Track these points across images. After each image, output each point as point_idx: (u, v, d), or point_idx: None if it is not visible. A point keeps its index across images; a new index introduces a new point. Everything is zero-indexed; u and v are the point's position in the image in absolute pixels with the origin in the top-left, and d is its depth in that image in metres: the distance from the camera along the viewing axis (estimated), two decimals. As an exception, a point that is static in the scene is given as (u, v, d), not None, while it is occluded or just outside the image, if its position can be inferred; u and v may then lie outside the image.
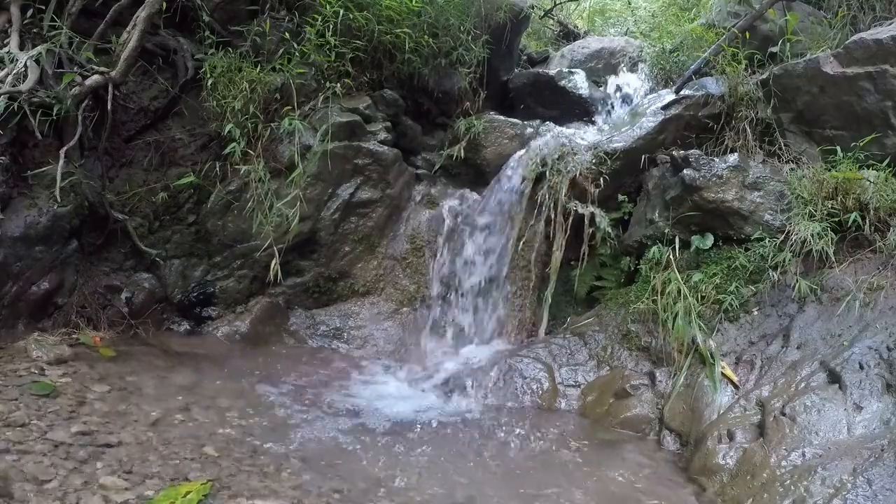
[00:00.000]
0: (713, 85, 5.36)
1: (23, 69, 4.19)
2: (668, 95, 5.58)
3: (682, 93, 5.43)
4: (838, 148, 4.57)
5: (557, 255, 5.12)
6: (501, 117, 5.90)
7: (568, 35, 9.01)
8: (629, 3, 9.27)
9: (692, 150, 4.94)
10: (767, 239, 4.42)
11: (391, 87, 5.66)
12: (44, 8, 4.52)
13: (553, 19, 9.23)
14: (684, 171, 4.81)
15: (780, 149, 4.97)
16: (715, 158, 4.85)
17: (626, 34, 8.46)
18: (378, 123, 5.43)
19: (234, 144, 4.71)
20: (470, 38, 5.87)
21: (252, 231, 4.82)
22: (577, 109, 6.38)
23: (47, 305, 4.27)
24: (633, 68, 6.90)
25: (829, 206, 4.26)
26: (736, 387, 3.89)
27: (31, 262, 4.14)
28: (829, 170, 4.45)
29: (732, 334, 4.22)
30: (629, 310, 4.63)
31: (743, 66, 5.18)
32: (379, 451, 3.43)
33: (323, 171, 5.00)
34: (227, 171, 4.90)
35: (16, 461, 2.66)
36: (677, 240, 4.70)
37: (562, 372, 4.50)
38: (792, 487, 2.97)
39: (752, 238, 4.51)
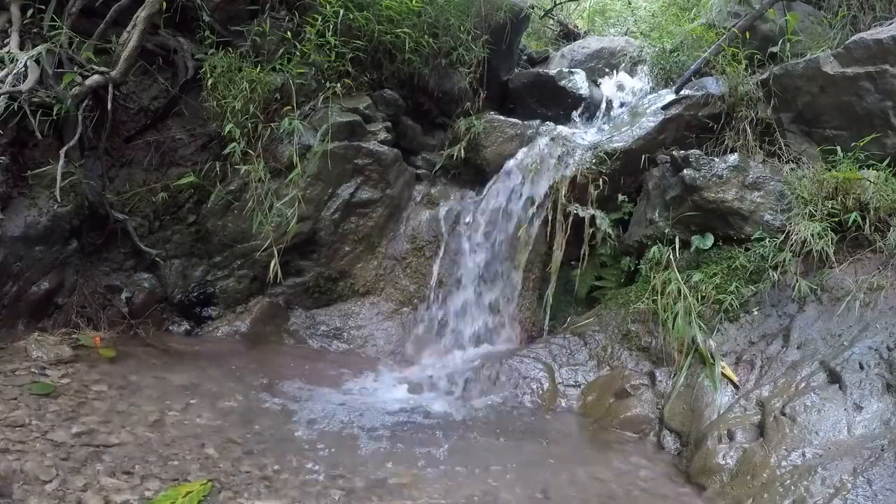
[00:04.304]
0: (713, 85, 5.35)
1: (23, 69, 4.18)
2: (668, 95, 5.57)
3: (682, 93, 5.43)
4: (838, 148, 4.57)
5: (558, 255, 5.12)
6: (501, 117, 5.89)
7: (568, 35, 8.99)
8: (629, 3, 9.27)
9: (692, 150, 4.94)
10: (767, 239, 4.42)
11: (391, 87, 5.66)
12: (44, 8, 4.51)
13: (553, 19, 9.22)
14: (684, 171, 4.81)
15: (780, 149, 4.97)
16: (715, 158, 4.85)
17: (626, 34, 8.45)
18: (378, 123, 5.43)
19: (234, 144, 4.71)
20: (470, 38, 5.87)
21: (252, 231, 4.82)
22: (578, 109, 6.37)
23: (47, 305, 4.27)
24: (632, 69, 6.90)
25: (829, 206, 4.26)
26: (736, 387, 3.89)
27: (31, 262, 4.14)
28: (830, 170, 4.45)
29: (732, 334, 4.22)
30: (629, 310, 4.63)
31: (743, 66, 5.18)
32: (379, 451, 3.43)
33: (323, 171, 5.00)
34: (227, 171, 4.90)
35: (16, 461, 2.66)
36: (677, 240, 4.70)
37: (562, 372, 4.50)
38: (792, 487, 2.97)
39: (753, 238, 4.51)
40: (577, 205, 5.11)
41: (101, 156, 4.64)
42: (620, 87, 6.51)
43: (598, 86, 6.67)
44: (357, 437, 3.57)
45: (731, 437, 3.48)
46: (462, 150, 5.64)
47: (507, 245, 5.25)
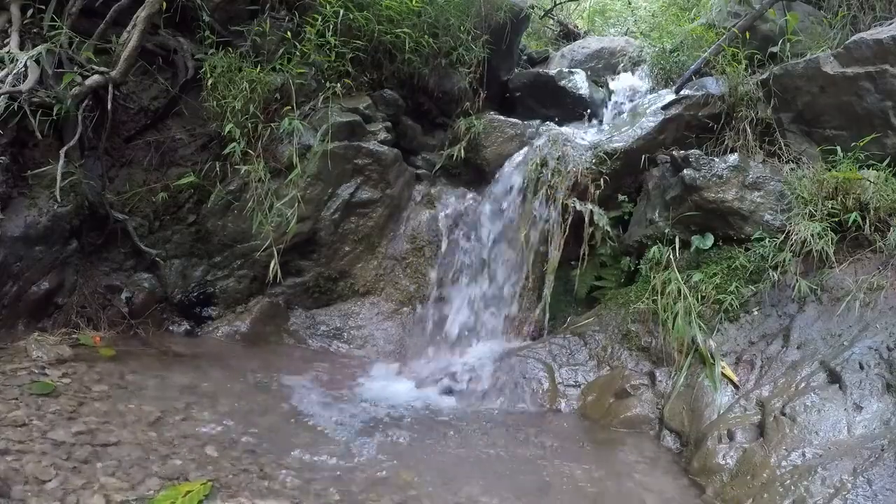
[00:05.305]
0: (713, 85, 5.35)
1: (23, 69, 4.18)
2: (668, 95, 5.58)
3: (682, 93, 5.43)
4: (838, 148, 4.57)
5: (556, 255, 5.11)
6: (501, 117, 5.89)
7: (568, 35, 9.00)
8: (629, 3, 9.27)
9: (692, 150, 4.94)
10: (767, 239, 4.42)
11: (391, 87, 5.66)
12: (44, 8, 4.51)
13: (553, 19, 9.22)
14: (684, 171, 4.81)
15: (780, 149, 4.97)
16: (715, 158, 4.85)
17: (626, 34, 8.46)
18: (378, 123, 5.43)
19: (234, 144, 4.71)
20: (470, 38, 5.87)
21: (252, 231, 4.82)
22: (578, 109, 6.38)
23: (47, 305, 4.27)
24: (632, 69, 6.91)
25: (829, 206, 4.26)
26: (736, 387, 3.89)
27: (31, 262, 4.14)
28: (830, 170, 4.45)
29: (732, 334, 4.22)
30: (629, 310, 4.63)
31: (743, 66, 5.18)
32: (379, 450, 3.42)
33: (323, 171, 5.00)
34: (227, 171, 4.90)
35: (16, 461, 2.66)
36: (677, 240, 4.70)
37: (562, 372, 4.50)
38: (792, 487, 2.97)
39: (752, 238, 4.51)
40: (576, 199, 5.10)
41: (101, 156, 4.64)
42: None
43: (599, 86, 6.68)
44: (357, 435, 3.57)
45: (731, 437, 3.48)
46: (462, 150, 5.64)
47: (507, 245, 5.25)
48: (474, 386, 4.46)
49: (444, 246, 5.37)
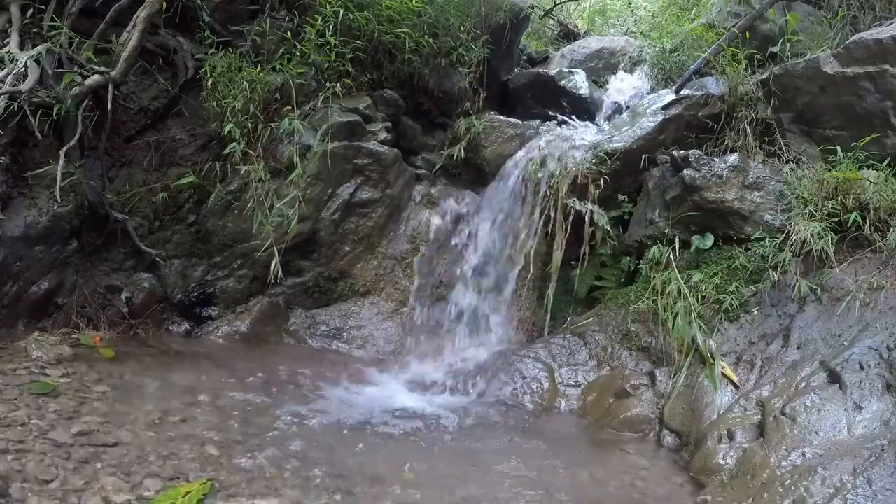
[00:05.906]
0: (713, 85, 5.35)
1: (23, 69, 4.18)
2: (668, 95, 5.57)
3: (682, 93, 5.43)
4: (838, 148, 4.57)
5: (558, 255, 5.11)
6: (501, 117, 5.89)
7: (568, 35, 8.99)
8: (629, 3, 9.27)
9: (692, 150, 4.93)
10: (767, 239, 4.42)
11: (391, 87, 5.66)
12: (44, 8, 4.51)
13: (553, 19, 9.22)
14: (684, 170, 4.81)
15: (780, 149, 4.97)
16: (715, 158, 4.85)
17: (626, 34, 8.45)
18: (378, 123, 5.43)
19: (234, 144, 4.71)
20: (470, 38, 5.87)
21: (252, 231, 4.82)
22: (578, 109, 6.37)
23: (47, 305, 4.27)
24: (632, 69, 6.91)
25: (829, 206, 4.26)
26: (736, 387, 3.89)
27: (31, 262, 4.14)
28: (829, 170, 4.45)
29: (732, 334, 4.22)
30: (629, 310, 4.63)
31: (743, 66, 5.18)
32: (379, 451, 3.43)
33: (323, 171, 5.00)
34: (227, 171, 4.90)
35: (16, 461, 2.66)
36: (677, 240, 4.70)
37: (562, 372, 4.50)
38: (792, 487, 2.97)
39: (752, 238, 4.52)
40: (576, 199, 5.10)
41: (101, 156, 4.63)
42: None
43: (599, 86, 6.69)
44: (357, 436, 3.57)
45: (731, 437, 3.48)
46: (462, 150, 5.64)
47: (507, 245, 5.25)
48: (474, 386, 4.47)
49: (443, 246, 5.37)
